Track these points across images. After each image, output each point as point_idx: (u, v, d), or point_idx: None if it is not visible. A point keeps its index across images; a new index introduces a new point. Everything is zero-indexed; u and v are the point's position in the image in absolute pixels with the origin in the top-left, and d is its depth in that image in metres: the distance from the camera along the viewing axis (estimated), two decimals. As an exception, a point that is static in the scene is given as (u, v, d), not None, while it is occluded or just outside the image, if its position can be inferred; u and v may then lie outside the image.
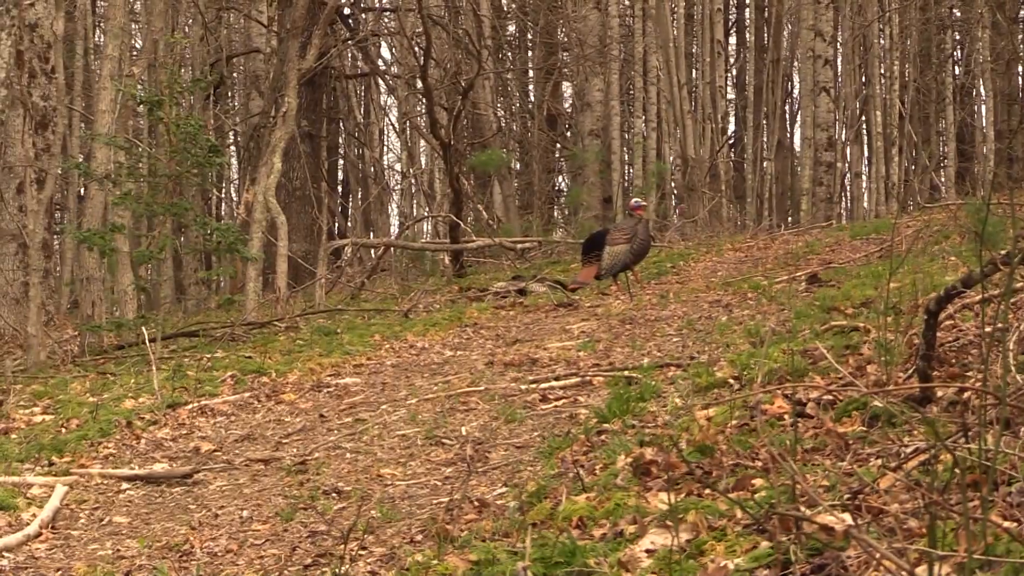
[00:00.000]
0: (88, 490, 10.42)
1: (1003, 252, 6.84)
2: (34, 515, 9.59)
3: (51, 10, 23.99)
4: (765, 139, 41.48)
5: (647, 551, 5.79)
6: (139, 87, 24.23)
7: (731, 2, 43.96)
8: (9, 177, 23.90)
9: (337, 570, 6.49)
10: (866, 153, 39.63)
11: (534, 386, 12.05)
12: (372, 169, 42.13)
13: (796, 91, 41.67)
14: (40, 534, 9.20)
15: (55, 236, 32.31)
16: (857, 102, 38.80)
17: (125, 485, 10.42)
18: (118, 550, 8.49)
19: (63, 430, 12.77)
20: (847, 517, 5.27)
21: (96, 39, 35.59)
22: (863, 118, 38.94)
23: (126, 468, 10.93)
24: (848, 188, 39.63)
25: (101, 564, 8.05)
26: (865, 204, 38.43)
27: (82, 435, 12.25)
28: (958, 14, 38.54)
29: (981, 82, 37.71)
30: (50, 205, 26.08)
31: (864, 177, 40.58)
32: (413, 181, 43.13)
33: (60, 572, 8.11)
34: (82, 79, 34.22)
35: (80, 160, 26.25)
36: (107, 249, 20.35)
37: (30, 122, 23.21)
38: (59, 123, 25.19)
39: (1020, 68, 35.92)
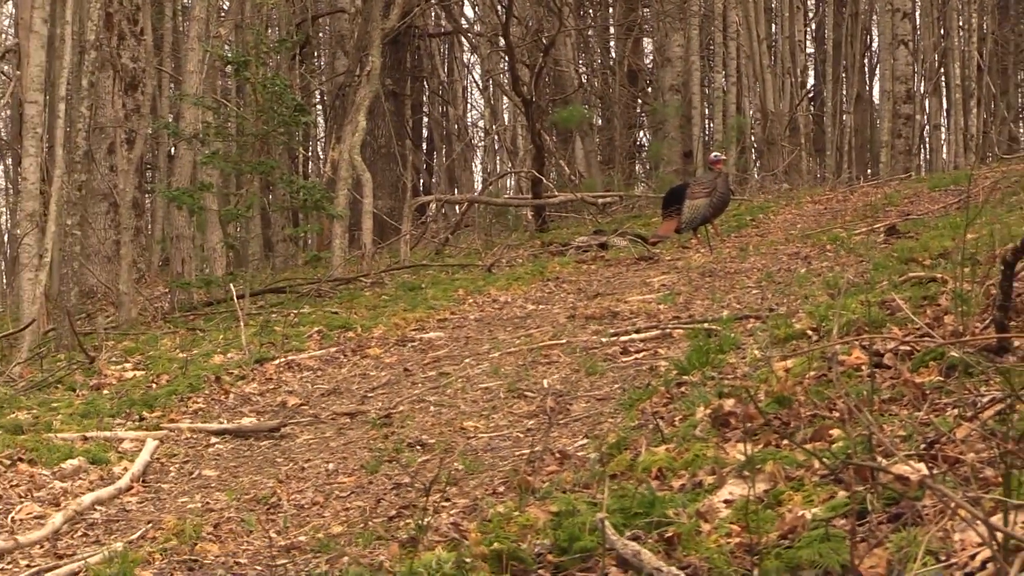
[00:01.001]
0: (178, 444, 10.50)
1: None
2: (125, 469, 9.67)
3: (139, -27, 24.06)
4: (844, 92, 41.18)
5: (725, 501, 5.78)
6: (226, 48, 24.35)
7: (810, -44, 43.63)
8: (100, 138, 24.02)
9: (420, 521, 6.50)
10: (944, 105, 39.27)
11: (615, 339, 12.03)
12: (456, 126, 42.10)
13: (875, 44, 41.36)
14: (131, 487, 9.27)
15: (146, 195, 32.50)
16: (935, 54, 38.46)
17: (214, 439, 10.49)
18: (207, 503, 8.55)
19: (153, 386, 12.87)
20: (923, 467, 5.23)
21: (184, 1, 35.67)
22: (941, 70, 38.60)
23: (215, 422, 11.00)
24: (927, 140, 39.35)
25: (190, 516, 8.10)
26: (944, 156, 38.14)
27: (172, 390, 12.34)
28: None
29: (1060, 33, 37.35)
30: (140, 165, 26.21)
31: (943, 129, 40.22)
32: (496, 138, 43.04)
33: (150, 524, 8.16)
34: (171, 41, 34.34)
35: (169, 120, 26.38)
36: (196, 207, 20.49)
37: (120, 83, 23.33)
38: (148, 84, 25.28)
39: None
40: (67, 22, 20.48)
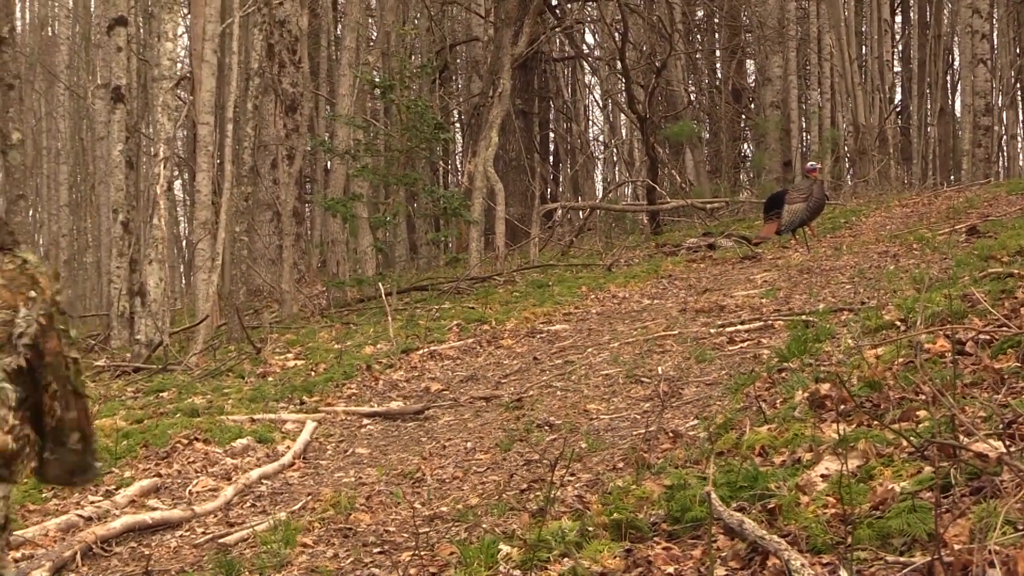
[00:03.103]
0: (334, 425, 10.57)
1: None
2: (288, 447, 9.75)
3: (297, 8, 24.26)
4: (928, 106, 40.74)
5: (822, 476, 5.74)
6: (374, 73, 24.47)
7: (896, -16, 43.22)
8: (264, 154, 24.28)
9: (548, 494, 6.50)
10: (1020, 116, 38.81)
11: (722, 330, 11.99)
12: (578, 141, 42.06)
13: (956, 63, 40.81)
14: (293, 463, 9.35)
15: (305, 205, 32.78)
16: (1012, 71, 37.99)
17: (366, 421, 10.55)
18: (360, 477, 8.60)
19: (312, 373, 12.97)
20: (1001, 445, 5.18)
21: (336, 32, 35.90)
22: (1017, 85, 38.13)
23: (366, 406, 11.07)
24: (1004, 149, 38.82)
25: (345, 489, 8.16)
26: (1020, 163, 37.64)
27: (328, 377, 12.43)
28: (1104, -11, 37.53)
29: None
30: (299, 178, 26.45)
31: (1019, 139, 39.74)
32: (614, 151, 43.02)
33: (310, 496, 8.22)
34: (325, 67, 34.54)
35: (324, 138, 26.54)
36: (349, 215, 20.66)
37: (281, 106, 23.51)
38: (305, 106, 25.48)
39: None
40: (234, 52, 20.72)
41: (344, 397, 11.75)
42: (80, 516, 7.99)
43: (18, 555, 7.31)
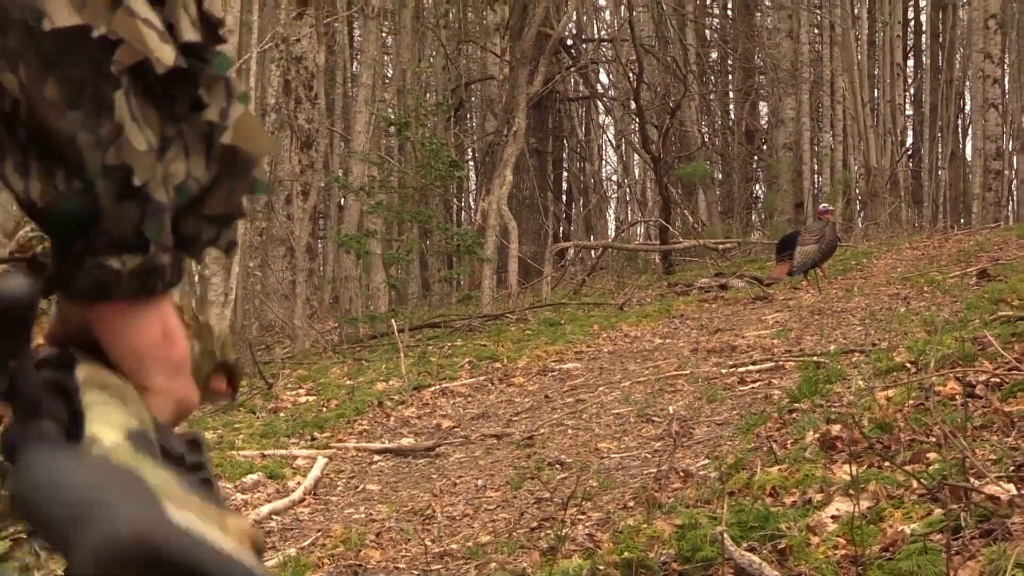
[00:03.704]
0: (345, 461, 10.56)
1: None
2: (299, 483, 9.74)
3: (314, 45, 24.36)
4: (940, 150, 40.80)
5: (832, 517, 5.73)
6: (390, 111, 24.54)
7: (909, 29, 43.26)
8: (279, 190, 24.36)
9: (559, 532, 6.50)
10: (1032, 161, 38.80)
11: (733, 370, 11.98)
12: (592, 180, 42.15)
13: (967, 107, 40.86)
14: (304, 499, 9.34)
15: (318, 240, 32.84)
16: (1023, 116, 38.01)
17: (377, 457, 10.54)
18: (370, 514, 8.59)
19: (324, 409, 12.97)
20: (1012, 487, 5.17)
21: (353, 69, 36.05)
22: (1029, 130, 38.17)
23: (378, 442, 11.05)
24: (1014, 193, 38.77)
25: (355, 526, 8.15)
26: (1031, 207, 37.63)
27: (340, 413, 12.43)
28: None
29: None
30: (314, 213, 26.52)
31: (1030, 182, 39.76)
32: (628, 190, 43.09)
33: (320, 532, 8.22)
34: (341, 104, 34.66)
35: (339, 174, 26.61)
36: (362, 251, 20.70)
37: (296, 142, 23.59)
38: (321, 142, 25.54)
39: None
40: (251, 88, 20.79)
41: (355, 433, 11.75)
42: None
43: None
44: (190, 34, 1.29)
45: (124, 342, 1.30)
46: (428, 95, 32.17)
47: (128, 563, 1.01)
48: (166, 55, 1.26)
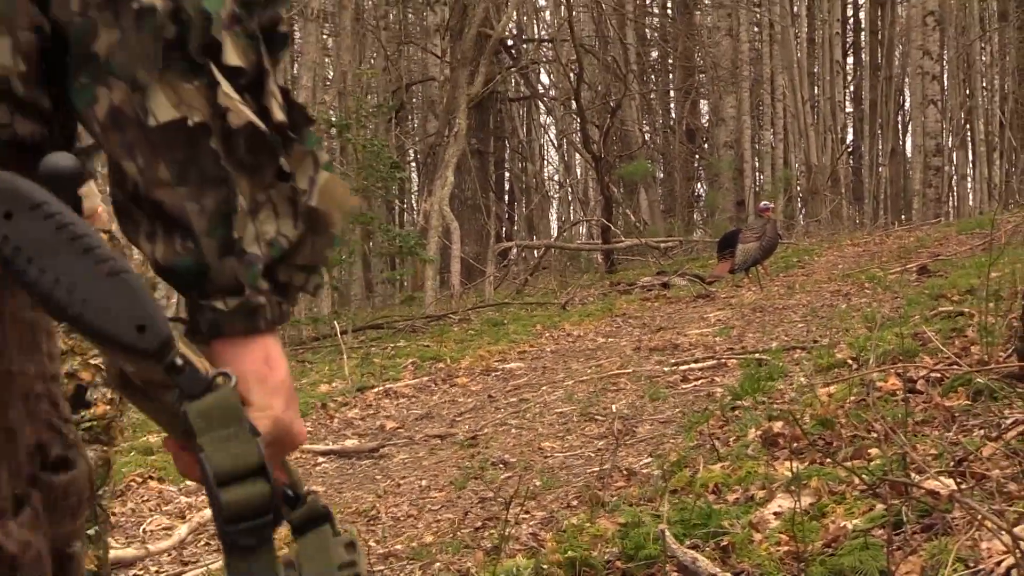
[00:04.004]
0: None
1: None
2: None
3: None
4: (880, 147, 40.98)
5: (775, 513, 5.75)
6: (330, 112, 24.47)
7: (848, 26, 43.46)
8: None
9: (503, 532, 6.48)
10: (970, 157, 39.04)
11: (676, 368, 12.00)
12: (533, 180, 42.19)
13: (907, 104, 41.04)
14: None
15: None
16: (962, 112, 38.27)
17: (321, 459, 10.51)
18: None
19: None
20: (952, 482, 5.20)
21: (293, 72, 35.94)
22: (967, 126, 38.43)
23: (322, 444, 11.01)
24: (954, 189, 39.04)
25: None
26: (970, 203, 37.89)
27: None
28: (1052, 32, 37.84)
29: (1073, 92, 37.11)
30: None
31: (969, 179, 39.97)
32: (569, 190, 43.14)
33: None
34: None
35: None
36: (304, 253, 20.62)
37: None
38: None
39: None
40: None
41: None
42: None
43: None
44: (279, 116, 1.62)
45: (234, 368, 1.59)
46: (369, 97, 32.07)
47: None
48: (259, 123, 1.59)
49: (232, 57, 1.58)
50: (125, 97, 1.55)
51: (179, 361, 1.52)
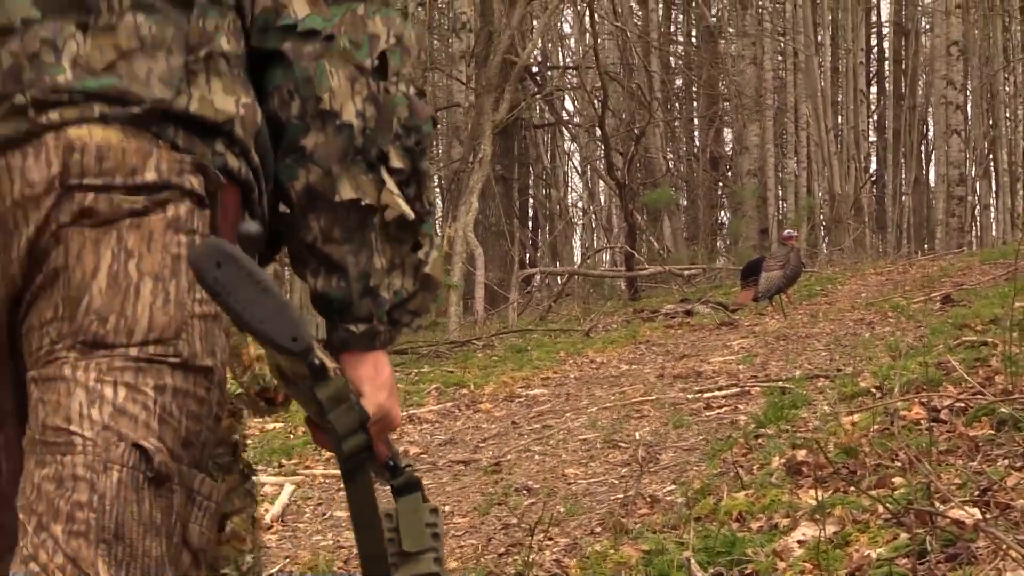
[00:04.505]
0: (312, 488, 10.52)
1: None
2: (266, 510, 9.69)
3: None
4: (903, 176, 40.98)
5: (799, 542, 5.74)
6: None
7: (872, 56, 43.47)
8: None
9: (526, 558, 6.48)
10: (993, 187, 38.97)
11: (699, 395, 11.99)
12: (557, 207, 42.18)
13: (930, 133, 41.05)
14: (271, 527, 9.30)
15: (284, 268, 32.73)
16: (985, 142, 38.23)
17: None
18: (338, 540, 8.56)
19: (291, 436, 12.91)
20: (977, 512, 5.19)
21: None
22: (991, 156, 38.37)
23: (345, 467, 11.00)
24: (978, 218, 39.01)
25: (323, 553, 8.13)
26: (993, 232, 37.81)
27: (307, 440, 12.36)
28: (1077, 62, 37.80)
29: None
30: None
31: (992, 208, 39.89)
32: (593, 216, 43.13)
33: (288, 559, 8.18)
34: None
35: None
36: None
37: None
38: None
39: None
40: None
41: (323, 460, 11.68)
42: None
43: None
44: (420, 207, 2.47)
45: (354, 372, 2.44)
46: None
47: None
48: (409, 213, 2.41)
49: (395, 162, 2.40)
50: (319, 179, 2.35)
51: (316, 361, 2.26)
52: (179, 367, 2.18)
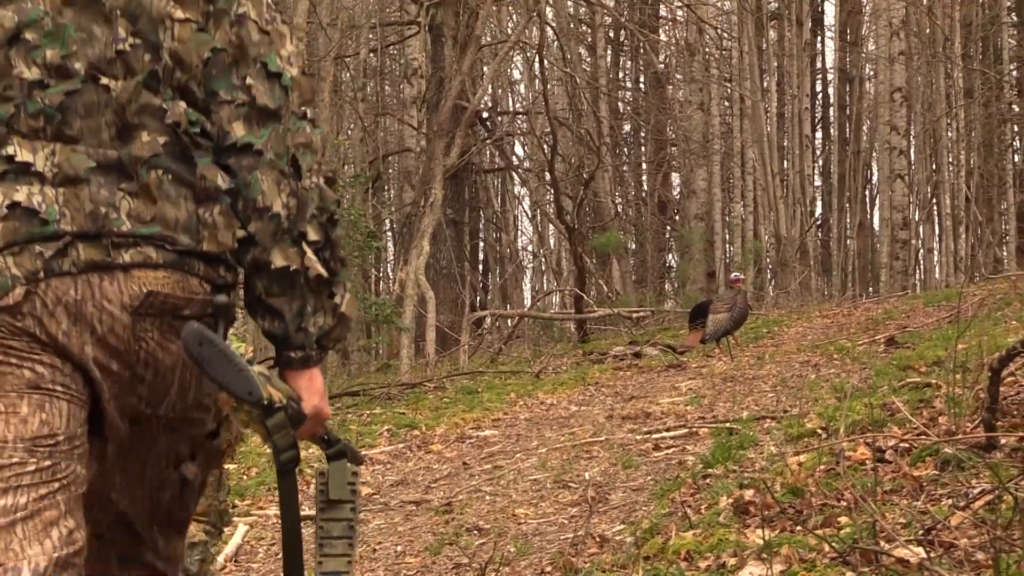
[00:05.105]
0: (265, 528, 10.48)
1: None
2: (219, 550, 9.65)
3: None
4: (848, 220, 41.20)
5: (746, 581, 5.75)
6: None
7: (817, 101, 43.75)
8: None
9: (477, 597, 6.48)
10: (937, 231, 39.20)
11: (648, 436, 12.01)
12: (508, 250, 42.26)
13: (875, 178, 41.29)
14: (225, 567, 9.25)
15: (237, 310, 32.62)
16: (928, 186, 38.46)
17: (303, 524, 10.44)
18: (290, 581, 8.51)
19: (244, 477, 12.87)
20: (921, 551, 5.21)
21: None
22: (934, 200, 38.60)
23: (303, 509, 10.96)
24: (921, 262, 39.21)
25: (276, 593, 8.10)
26: (936, 275, 38.02)
27: (260, 481, 12.34)
28: (1016, 109, 38.10)
29: (1038, 168, 37.37)
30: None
31: (935, 252, 40.12)
32: (543, 260, 43.20)
33: (241, 599, 8.14)
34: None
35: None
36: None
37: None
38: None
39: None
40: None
41: (275, 501, 11.64)
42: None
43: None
44: (332, 266, 3.36)
45: (293, 383, 3.35)
46: (346, 167, 32.15)
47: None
48: (324, 272, 3.31)
49: (312, 235, 3.32)
50: (259, 253, 3.28)
51: (266, 401, 3.21)
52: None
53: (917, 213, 37.98)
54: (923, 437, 7.50)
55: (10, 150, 3.17)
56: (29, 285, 3.12)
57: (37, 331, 3.12)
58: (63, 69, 3.22)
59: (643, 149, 42.28)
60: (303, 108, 3.41)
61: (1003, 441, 6.86)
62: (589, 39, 39.93)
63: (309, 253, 3.32)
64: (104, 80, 3.24)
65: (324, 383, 3.47)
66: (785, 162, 38.00)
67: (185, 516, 3.61)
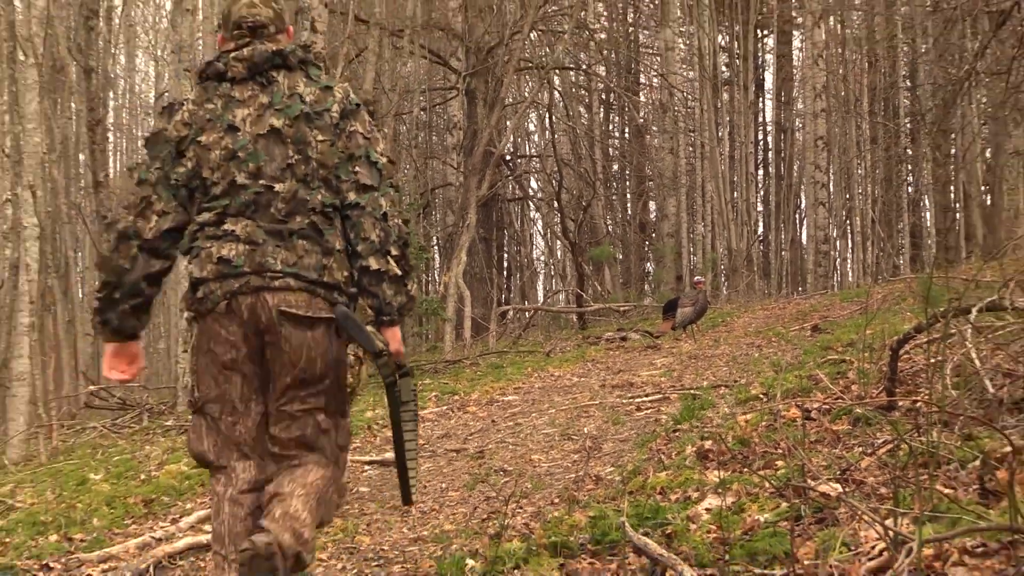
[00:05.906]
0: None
1: (941, 309, 6.78)
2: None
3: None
4: (783, 236, 41.05)
5: (706, 509, 5.75)
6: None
7: (759, 146, 43.58)
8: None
9: (503, 522, 6.48)
10: (850, 244, 39.03)
11: (631, 400, 12.00)
12: (525, 260, 42.21)
13: (803, 204, 41.12)
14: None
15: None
16: (843, 211, 38.36)
17: (367, 467, 10.46)
18: (361, 509, 8.54)
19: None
20: (839, 487, 5.21)
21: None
22: (848, 221, 38.49)
23: (367, 456, 10.98)
24: (838, 268, 39.05)
25: (351, 518, 8.11)
26: (850, 279, 37.87)
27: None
28: (910, 152, 37.96)
29: (926, 197, 37.18)
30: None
31: (849, 260, 39.99)
32: (551, 267, 43.16)
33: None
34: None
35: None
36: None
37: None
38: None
39: (952, 188, 35.29)
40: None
41: (353, 449, 11.66)
42: (153, 537, 7.90)
43: (104, 567, 7.22)
44: (405, 266, 4.64)
45: (387, 334, 4.53)
46: (404, 198, 32.14)
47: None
48: (399, 272, 4.62)
49: (393, 251, 4.45)
50: (363, 262, 4.46)
51: (380, 349, 4.43)
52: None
53: (835, 231, 37.87)
54: (840, 400, 7.50)
55: (227, 226, 4.44)
56: (228, 300, 4.45)
57: (236, 324, 4.47)
58: (256, 175, 4.45)
59: (628, 183, 42.20)
60: (390, 180, 4.52)
61: (900, 404, 6.85)
62: (586, 100, 39.95)
63: (392, 262, 4.44)
64: (276, 187, 4.45)
65: (401, 336, 4.55)
66: (735, 192, 37.85)
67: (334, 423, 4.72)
